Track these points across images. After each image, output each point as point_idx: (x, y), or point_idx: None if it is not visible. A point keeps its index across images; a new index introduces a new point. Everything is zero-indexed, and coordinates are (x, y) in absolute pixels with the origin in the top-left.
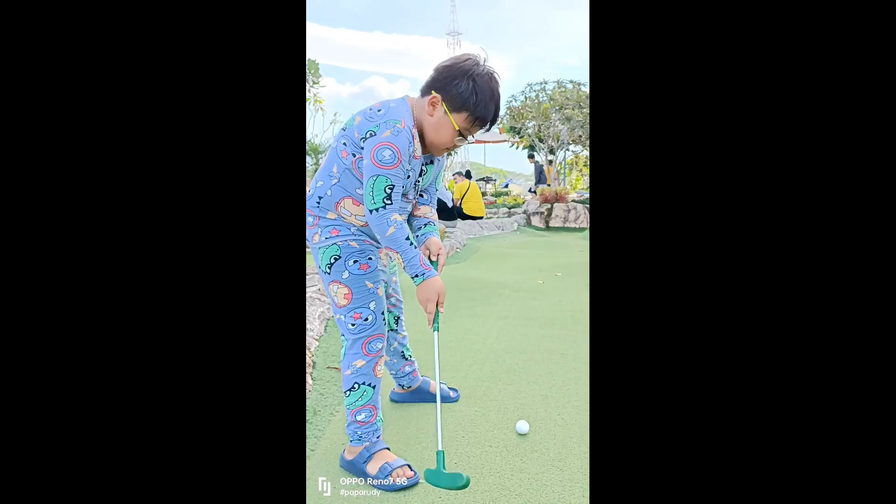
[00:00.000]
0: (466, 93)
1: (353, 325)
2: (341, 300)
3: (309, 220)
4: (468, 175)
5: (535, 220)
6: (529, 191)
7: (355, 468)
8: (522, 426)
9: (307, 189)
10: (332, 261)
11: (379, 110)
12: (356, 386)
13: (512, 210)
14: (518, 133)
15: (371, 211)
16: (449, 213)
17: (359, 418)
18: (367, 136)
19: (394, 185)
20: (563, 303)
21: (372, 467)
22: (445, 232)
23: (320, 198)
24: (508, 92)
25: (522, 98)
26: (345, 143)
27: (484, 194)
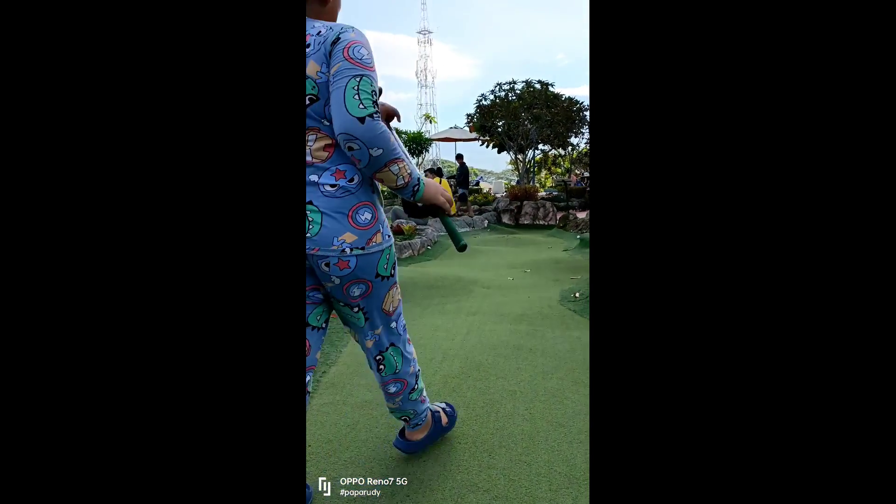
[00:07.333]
0: None
1: (403, 328)
2: (395, 303)
3: (366, 215)
4: (439, 172)
5: (505, 218)
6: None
7: (435, 435)
8: None
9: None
10: (395, 258)
11: (319, 33)
12: (418, 376)
13: (482, 207)
14: (488, 131)
15: (363, 119)
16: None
17: (425, 395)
18: (332, 44)
19: (375, 91)
20: (532, 299)
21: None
22: (416, 229)
23: (374, 183)
24: (478, 90)
25: (492, 97)
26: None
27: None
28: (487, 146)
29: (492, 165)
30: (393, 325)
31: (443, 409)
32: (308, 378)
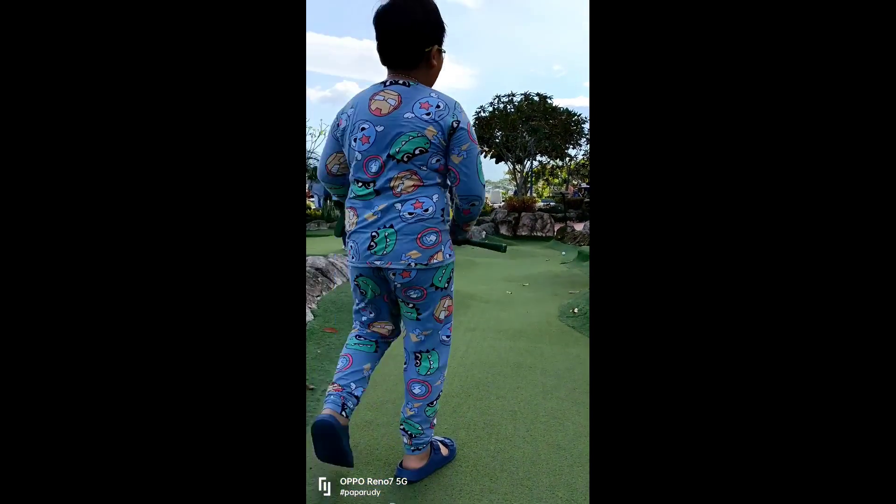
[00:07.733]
0: (439, 18)
1: (447, 336)
2: (446, 312)
3: (431, 237)
4: None
5: (503, 229)
6: None
7: (434, 465)
8: None
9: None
10: (452, 274)
11: (437, 106)
12: (439, 396)
13: (480, 218)
14: (486, 142)
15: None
16: None
17: (435, 422)
18: (455, 125)
19: None
20: (531, 314)
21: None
22: None
23: (443, 210)
24: (475, 100)
25: (491, 109)
26: (437, 161)
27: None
28: (485, 157)
29: (489, 175)
30: (440, 332)
31: (442, 441)
32: (374, 367)
